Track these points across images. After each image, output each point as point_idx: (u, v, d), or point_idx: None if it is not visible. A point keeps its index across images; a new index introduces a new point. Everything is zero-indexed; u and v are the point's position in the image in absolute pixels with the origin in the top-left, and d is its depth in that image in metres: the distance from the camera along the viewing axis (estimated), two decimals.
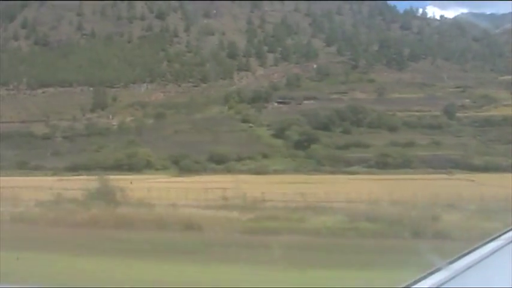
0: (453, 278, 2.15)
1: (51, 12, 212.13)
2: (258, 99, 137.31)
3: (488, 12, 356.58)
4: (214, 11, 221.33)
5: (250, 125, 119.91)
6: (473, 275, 2.18)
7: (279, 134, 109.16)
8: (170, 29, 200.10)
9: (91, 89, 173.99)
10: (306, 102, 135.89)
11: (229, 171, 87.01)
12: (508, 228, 2.96)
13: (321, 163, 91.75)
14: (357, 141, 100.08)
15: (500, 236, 2.78)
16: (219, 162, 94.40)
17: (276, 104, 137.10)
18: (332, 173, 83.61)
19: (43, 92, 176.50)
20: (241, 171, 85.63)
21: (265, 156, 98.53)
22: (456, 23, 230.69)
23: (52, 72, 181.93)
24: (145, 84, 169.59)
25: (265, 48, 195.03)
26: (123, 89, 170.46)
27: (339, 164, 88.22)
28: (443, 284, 2.15)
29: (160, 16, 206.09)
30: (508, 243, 2.61)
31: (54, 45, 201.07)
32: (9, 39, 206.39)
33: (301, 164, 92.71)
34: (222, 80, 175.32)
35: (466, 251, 2.52)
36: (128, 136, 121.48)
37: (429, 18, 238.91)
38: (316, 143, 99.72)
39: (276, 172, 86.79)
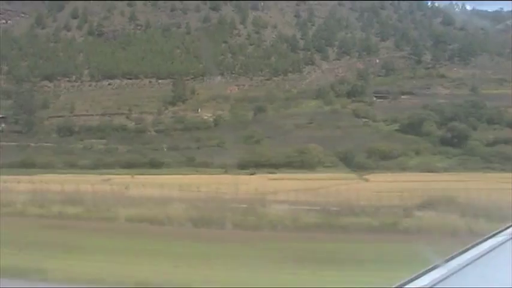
0: (450, 275, 2.07)
1: (101, 2, 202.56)
2: (354, 93, 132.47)
3: None
4: (262, 4, 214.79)
5: (365, 119, 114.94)
6: (470, 272, 2.08)
7: (407, 129, 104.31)
8: (227, 21, 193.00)
9: (159, 81, 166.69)
10: (403, 97, 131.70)
11: (403, 168, 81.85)
12: (507, 226, 2.66)
13: (489, 160, 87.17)
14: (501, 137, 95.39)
15: (498, 233, 2.57)
16: (384, 159, 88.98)
17: (374, 99, 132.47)
18: (503, 170, 78.85)
19: (109, 84, 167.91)
20: (409, 169, 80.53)
21: (417, 152, 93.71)
22: (497, 17, 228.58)
23: (114, 64, 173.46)
24: (218, 77, 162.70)
25: (322, 42, 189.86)
26: (194, 81, 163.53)
27: (509, 162, 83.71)
28: (440, 282, 2.05)
29: (215, 8, 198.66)
30: (507, 241, 2.42)
31: (109, 36, 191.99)
32: (61, 29, 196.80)
33: (464, 162, 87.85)
34: (291, 73, 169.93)
35: (464, 249, 2.35)
36: (236, 131, 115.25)
37: (469, 13, 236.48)
38: (468, 139, 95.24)
39: (445, 170, 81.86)
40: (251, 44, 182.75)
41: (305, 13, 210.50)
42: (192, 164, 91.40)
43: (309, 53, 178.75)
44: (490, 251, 2.42)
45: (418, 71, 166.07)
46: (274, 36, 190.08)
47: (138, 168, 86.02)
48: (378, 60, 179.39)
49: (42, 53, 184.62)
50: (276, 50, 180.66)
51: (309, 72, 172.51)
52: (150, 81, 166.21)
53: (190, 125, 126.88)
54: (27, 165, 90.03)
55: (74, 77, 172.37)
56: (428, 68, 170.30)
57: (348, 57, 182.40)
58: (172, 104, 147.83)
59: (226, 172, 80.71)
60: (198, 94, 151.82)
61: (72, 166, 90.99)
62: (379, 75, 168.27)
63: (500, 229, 2.80)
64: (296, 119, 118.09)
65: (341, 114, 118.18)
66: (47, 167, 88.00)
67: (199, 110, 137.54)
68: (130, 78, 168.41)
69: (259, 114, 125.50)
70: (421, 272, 2.30)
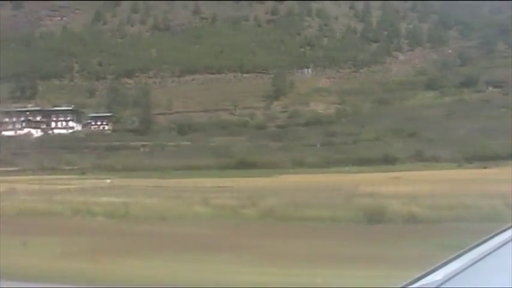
0: (452, 276, 2.05)
1: None
2: (469, 83, 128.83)
3: None
4: None
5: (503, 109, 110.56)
6: (473, 273, 2.08)
7: None
8: (294, 12, 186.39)
9: (244, 75, 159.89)
10: None
11: None
12: (508, 226, 2.63)
13: None
14: None
15: (500, 233, 2.54)
16: None
17: (491, 89, 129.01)
18: None
19: (192, 80, 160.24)
20: None
21: None
22: None
23: (193, 59, 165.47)
24: (307, 70, 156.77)
25: (385, 33, 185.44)
26: (261, 75, 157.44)
27: None
28: (442, 283, 2.03)
29: None
30: (507, 242, 2.40)
31: (176, 30, 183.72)
32: (124, 24, 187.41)
33: None
34: (373, 65, 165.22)
35: (466, 249, 2.35)
36: (368, 123, 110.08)
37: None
38: None
39: None
40: (325, 36, 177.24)
41: (360, 4, 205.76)
42: (421, 159, 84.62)
43: (382, 44, 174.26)
44: (493, 251, 2.28)
45: (496, 60, 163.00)
46: (341, 27, 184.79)
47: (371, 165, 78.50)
48: (450, 51, 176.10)
49: (111, 49, 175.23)
50: (350, 41, 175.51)
51: (390, 63, 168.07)
52: (234, 76, 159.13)
53: (312, 119, 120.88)
54: (242, 166, 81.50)
55: (152, 73, 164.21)
56: (506, 57, 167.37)
57: (420, 47, 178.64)
58: (274, 98, 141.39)
59: (459, 166, 75.05)
60: (296, 88, 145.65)
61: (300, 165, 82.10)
62: (457, 65, 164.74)
63: (501, 229, 2.55)
64: (431, 110, 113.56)
65: (477, 104, 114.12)
66: (273, 167, 79.77)
67: (311, 104, 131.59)
68: (212, 73, 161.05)
69: (380, 106, 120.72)
70: (422, 273, 2.19)
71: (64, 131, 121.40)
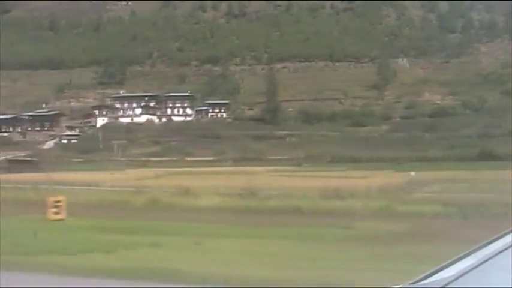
0: (453, 280, 2.02)
1: None
2: None
3: None
4: None
5: None
6: (473, 277, 2.03)
7: None
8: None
9: (337, 64, 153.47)
10: None
11: None
12: (510, 230, 2.50)
13: None
14: None
15: (502, 237, 2.42)
16: None
17: None
18: None
19: (283, 68, 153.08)
20: None
21: None
22: None
23: (278, 46, 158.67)
24: (402, 59, 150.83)
25: (459, 24, 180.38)
26: (373, 64, 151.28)
27: None
28: (447, 283, 2.01)
29: None
30: (509, 246, 2.29)
31: (252, 17, 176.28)
32: (195, 9, 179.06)
33: None
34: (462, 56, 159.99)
35: (467, 252, 2.28)
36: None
37: None
38: None
39: None
40: (406, 26, 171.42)
41: None
42: None
43: (460, 35, 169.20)
44: (495, 255, 2.18)
45: None
46: (416, 17, 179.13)
47: None
48: None
49: (189, 35, 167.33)
50: (429, 32, 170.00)
51: (476, 54, 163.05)
52: (325, 65, 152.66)
53: (436, 110, 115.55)
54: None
55: (238, 60, 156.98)
56: None
57: (499, 39, 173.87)
58: (379, 87, 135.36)
59: None
60: (399, 77, 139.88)
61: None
62: None
63: (502, 233, 2.44)
64: None
65: None
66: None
67: (427, 94, 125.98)
68: (301, 61, 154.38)
69: (507, 98, 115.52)
70: (421, 276, 2.17)
71: (181, 118, 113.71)
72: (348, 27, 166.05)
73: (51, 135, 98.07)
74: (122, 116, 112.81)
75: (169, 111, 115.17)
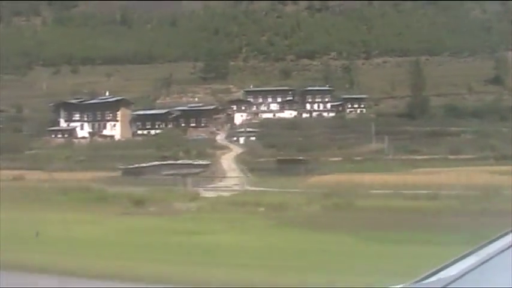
0: (455, 280, 1.99)
1: None
2: None
3: None
4: None
5: None
6: (475, 277, 2.01)
7: None
8: None
9: (436, 58, 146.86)
10: None
11: None
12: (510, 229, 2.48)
13: None
14: None
15: (503, 236, 2.38)
16: None
17: None
18: None
19: (384, 62, 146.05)
20: None
21: None
22: None
23: (371, 40, 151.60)
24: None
25: None
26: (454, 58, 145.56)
27: None
28: (448, 283, 1.99)
29: None
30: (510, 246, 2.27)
31: (335, 11, 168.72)
32: (275, 3, 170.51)
33: None
34: None
35: (468, 252, 2.25)
36: None
37: None
38: None
39: None
40: (497, 20, 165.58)
41: None
42: None
43: None
44: (494, 255, 2.15)
45: None
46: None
47: None
48: None
49: (276, 29, 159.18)
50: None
51: None
52: (426, 59, 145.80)
53: None
54: None
55: (334, 55, 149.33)
56: None
57: None
58: (498, 82, 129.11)
59: None
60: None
61: None
62: None
63: (503, 233, 2.39)
64: None
65: None
66: None
67: None
68: (399, 56, 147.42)
69: None
70: (423, 276, 2.15)
71: (323, 114, 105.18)
72: (436, 22, 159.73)
73: (229, 131, 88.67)
74: (263, 112, 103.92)
75: (308, 106, 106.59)
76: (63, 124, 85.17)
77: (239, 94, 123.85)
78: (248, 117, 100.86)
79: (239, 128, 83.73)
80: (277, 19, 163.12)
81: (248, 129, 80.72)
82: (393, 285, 2.09)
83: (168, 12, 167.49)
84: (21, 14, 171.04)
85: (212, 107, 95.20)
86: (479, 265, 2.09)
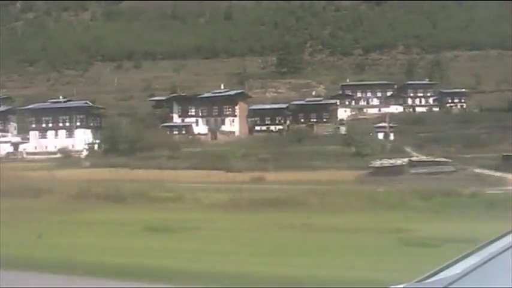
0: (456, 279, 1.98)
1: None
2: None
3: None
4: None
5: None
6: (476, 277, 2.00)
7: None
8: None
9: (510, 52, 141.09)
10: None
11: None
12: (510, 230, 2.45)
13: None
14: None
15: (505, 236, 2.35)
16: None
17: None
18: None
19: (456, 56, 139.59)
20: None
21: None
22: None
23: (436, 34, 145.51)
24: None
25: None
26: None
27: None
28: (449, 284, 1.97)
29: None
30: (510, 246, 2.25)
31: (394, 5, 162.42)
32: None
33: None
34: None
35: (470, 251, 2.24)
36: None
37: None
38: None
39: None
40: None
41: None
42: None
43: None
44: (496, 255, 2.13)
45: None
46: None
47: None
48: None
49: (337, 23, 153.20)
50: None
51: None
52: (499, 53, 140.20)
53: None
54: None
55: (402, 48, 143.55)
56: None
57: None
58: None
59: None
60: None
61: None
62: None
63: (505, 232, 2.37)
64: None
65: None
66: None
67: None
68: (470, 50, 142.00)
69: None
70: (424, 276, 2.12)
71: (423, 109, 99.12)
72: (500, 14, 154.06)
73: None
74: (366, 107, 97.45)
75: (409, 100, 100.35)
76: (176, 120, 78.08)
77: (320, 89, 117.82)
78: (353, 113, 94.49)
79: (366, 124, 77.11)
80: (335, 13, 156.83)
81: (390, 125, 74.00)
82: (394, 285, 2.02)
83: (220, 6, 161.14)
84: (69, 10, 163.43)
85: (332, 101, 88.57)
86: (480, 265, 2.04)
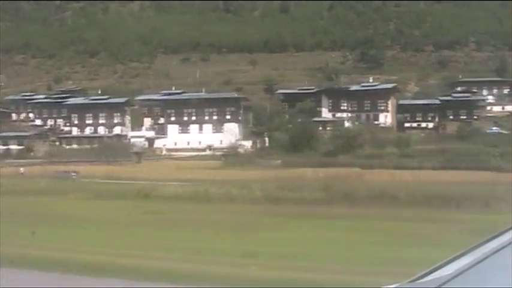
0: (451, 279, 1.94)
1: None
2: None
3: None
4: None
5: None
6: (471, 276, 1.96)
7: None
8: None
9: None
10: None
11: None
12: (509, 227, 2.42)
13: None
14: None
15: (500, 235, 2.33)
16: None
17: None
18: None
19: None
20: None
21: None
22: None
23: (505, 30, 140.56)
24: None
25: None
26: None
27: None
28: (443, 283, 1.93)
29: None
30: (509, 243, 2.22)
31: (458, 4, 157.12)
32: None
33: None
34: None
35: (464, 251, 2.20)
36: None
37: None
38: None
39: None
40: None
41: None
42: None
43: None
44: (491, 254, 2.11)
45: None
46: None
47: None
48: None
49: (398, 19, 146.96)
50: None
51: None
52: None
53: None
54: None
55: (474, 45, 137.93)
56: None
57: None
58: None
59: None
60: None
61: None
62: None
63: (500, 232, 2.35)
64: None
65: None
66: None
67: None
68: None
69: None
70: (421, 274, 2.08)
71: None
72: None
73: None
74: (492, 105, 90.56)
75: None
76: (325, 114, 69.94)
77: (411, 86, 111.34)
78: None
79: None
80: (396, 8, 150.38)
81: None
82: (388, 285, 1.96)
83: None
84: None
85: (479, 97, 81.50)
86: (475, 264, 2.01)
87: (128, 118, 73.97)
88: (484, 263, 2.00)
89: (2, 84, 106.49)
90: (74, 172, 47.82)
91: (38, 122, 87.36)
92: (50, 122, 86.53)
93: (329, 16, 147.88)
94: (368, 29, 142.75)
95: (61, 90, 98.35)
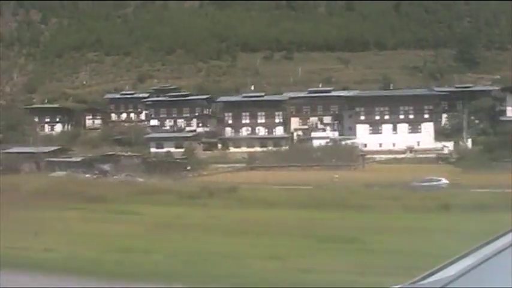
0: (453, 280, 1.94)
1: None
2: None
3: None
4: None
5: None
6: (473, 277, 1.95)
7: None
8: None
9: None
10: None
11: None
12: (510, 229, 2.34)
13: None
14: None
15: (502, 236, 2.28)
16: None
17: None
18: None
19: None
20: None
21: None
22: None
23: None
24: None
25: None
26: None
27: None
28: (444, 285, 1.93)
29: None
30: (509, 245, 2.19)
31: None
32: None
33: None
34: None
35: (467, 252, 2.19)
36: None
37: None
38: None
39: None
40: None
41: None
42: None
43: None
44: (493, 255, 2.07)
45: None
46: None
47: None
48: None
49: (473, 17, 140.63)
50: None
51: None
52: None
53: None
54: None
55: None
56: None
57: None
58: None
59: None
60: None
61: None
62: None
63: (502, 233, 2.27)
64: None
65: None
66: None
67: None
68: None
69: None
70: (422, 275, 2.08)
71: None
72: None
73: None
74: None
75: None
76: (510, 114, 62.00)
77: None
78: None
79: None
80: (466, 6, 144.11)
81: None
82: (391, 285, 1.98)
83: None
84: None
85: None
86: (477, 265, 2.00)
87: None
88: (486, 264, 1.97)
89: (85, 82, 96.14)
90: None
91: (154, 122, 77.55)
92: (168, 123, 76.77)
93: (399, 14, 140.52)
94: (442, 27, 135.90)
95: (159, 89, 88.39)
